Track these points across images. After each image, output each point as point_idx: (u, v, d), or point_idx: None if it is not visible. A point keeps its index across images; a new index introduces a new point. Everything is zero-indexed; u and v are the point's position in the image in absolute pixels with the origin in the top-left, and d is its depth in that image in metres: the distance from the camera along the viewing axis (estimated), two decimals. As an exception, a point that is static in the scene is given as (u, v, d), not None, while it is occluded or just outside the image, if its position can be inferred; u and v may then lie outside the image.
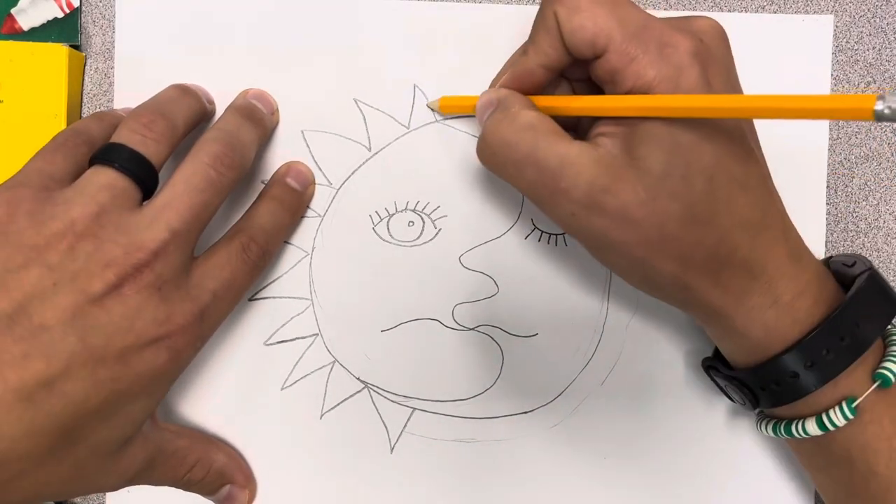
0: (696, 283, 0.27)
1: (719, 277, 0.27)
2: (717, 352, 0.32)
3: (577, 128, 0.30)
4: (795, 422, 0.28)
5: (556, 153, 0.26)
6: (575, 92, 0.30)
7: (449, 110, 0.33)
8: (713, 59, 0.26)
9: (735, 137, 0.26)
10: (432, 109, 0.34)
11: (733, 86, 0.27)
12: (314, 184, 0.34)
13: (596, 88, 0.28)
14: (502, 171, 0.28)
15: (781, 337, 0.27)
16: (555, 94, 0.30)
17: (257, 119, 0.31)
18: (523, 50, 0.29)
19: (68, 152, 0.28)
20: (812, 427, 0.28)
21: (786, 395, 0.28)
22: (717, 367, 0.31)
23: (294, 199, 0.32)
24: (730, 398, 0.32)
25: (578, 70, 0.29)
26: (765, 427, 0.30)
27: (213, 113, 0.33)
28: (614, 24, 0.25)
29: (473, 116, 0.33)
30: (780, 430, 0.29)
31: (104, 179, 0.26)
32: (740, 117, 0.26)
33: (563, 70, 0.28)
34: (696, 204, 0.25)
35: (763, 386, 0.28)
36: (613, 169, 0.25)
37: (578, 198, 0.25)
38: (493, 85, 0.31)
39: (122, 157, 0.27)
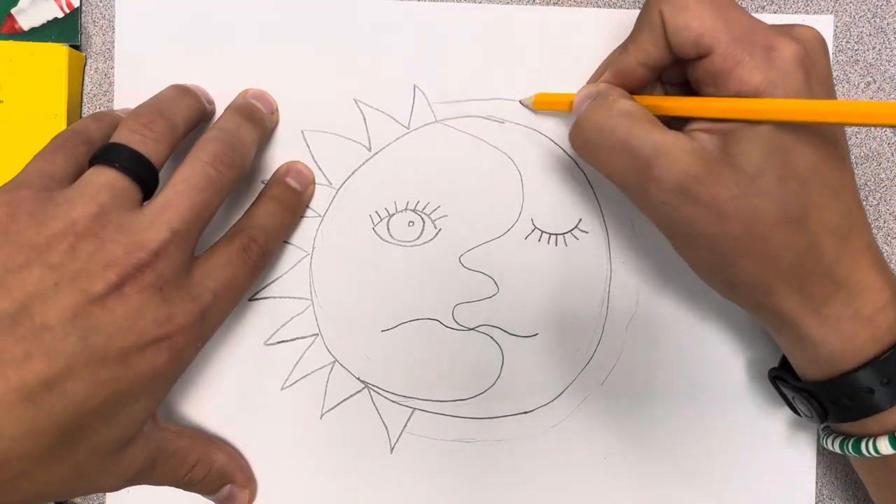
0: (778, 288, 0.26)
1: (802, 283, 0.26)
2: (784, 362, 0.31)
3: (670, 127, 0.30)
4: (865, 440, 0.28)
5: (652, 141, 0.26)
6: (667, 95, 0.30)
7: (543, 107, 0.33)
8: (814, 67, 0.26)
9: (831, 142, 0.26)
10: (525, 106, 0.33)
11: (831, 96, 0.27)
12: (314, 184, 0.34)
13: (689, 92, 0.28)
14: (594, 156, 0.28)
15: (858, 351, 0.27)
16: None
17: (257, 119, 0.31)
18: (623, 48, 0.29)
19: (68, 153, 0.28)
20: (884, 446, 0.27)
21: (858, 410, 0.27)
22: (786, 378, 0.30)
23: (294, 198, 0.32)
24: (795, 411, 0.31)
25: (674, 73, 0.28)
26: (831, 443, 0.29)
27: (213, 113, 0.33)
28: (720, 24, 0.25)
29: (477, 117, 0.34)
30: (847, 447, 0.28)
31: (104, 179, 0.26)
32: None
33: (662, 71, 0.28)
34: (788, 205, 0.25)
35: (834, 400, 0.28)
36: (708, 162, 0.25)
37: (671, 186, 0.25)
38: (591, 81, 0.30)
39: (122, 156, 0.27)
